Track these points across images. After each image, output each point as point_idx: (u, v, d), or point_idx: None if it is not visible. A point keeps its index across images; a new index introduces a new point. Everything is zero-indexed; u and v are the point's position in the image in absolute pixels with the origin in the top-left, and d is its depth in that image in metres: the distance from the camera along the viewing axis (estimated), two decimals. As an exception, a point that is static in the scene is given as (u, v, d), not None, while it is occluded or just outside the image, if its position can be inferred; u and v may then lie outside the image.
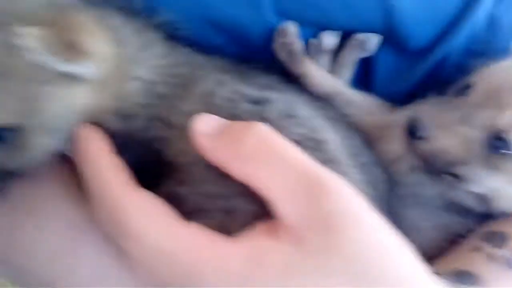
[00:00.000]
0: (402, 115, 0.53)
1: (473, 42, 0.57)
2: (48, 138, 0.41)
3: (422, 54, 0.57)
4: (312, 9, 0.54)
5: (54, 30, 0.38)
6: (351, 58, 0.59)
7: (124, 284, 0.41)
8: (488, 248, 0.48)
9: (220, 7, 0.52)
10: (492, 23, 0.57)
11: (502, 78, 0.52)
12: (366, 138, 0.53)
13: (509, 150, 0.49)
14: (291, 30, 0.54)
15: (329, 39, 0.57)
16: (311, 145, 0.42)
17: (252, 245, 0.36)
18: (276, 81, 0.49)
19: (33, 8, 0.40)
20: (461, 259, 0.50)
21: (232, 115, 0.43)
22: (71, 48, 0.38)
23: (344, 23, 0.55)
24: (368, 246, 0.35)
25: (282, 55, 0.55)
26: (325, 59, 0.59)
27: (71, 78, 0.40)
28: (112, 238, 0.39)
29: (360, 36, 0.57)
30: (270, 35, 0.54)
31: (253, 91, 0.45)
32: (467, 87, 0.52)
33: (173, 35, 0.49)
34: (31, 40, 0.37)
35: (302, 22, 0.55)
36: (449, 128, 0.49)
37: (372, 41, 0.57)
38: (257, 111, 0.43)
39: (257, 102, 0.44)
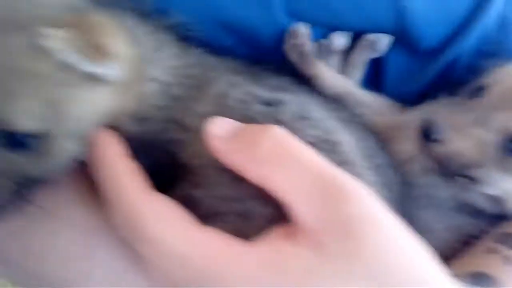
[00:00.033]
0: (414, 116, 0.53)
1: (484, 42, 0.56)
2: (72, 143, 0.40)
3: (433, 55, 0.57)
4: (323, 10, 0.54)
5: (78, 32, 0.38)
6: (361, 59, 0.58)
7: None
8: (504, 250, 0.48)
9: (230, 9, 0.52)
10: (504, 23, 0.57)
11: None
12: (380, 139, 0.53)
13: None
14: (302, 31, 0.54)
15: (339, 40, 0.57)
16: (326, 147, 0.42)
17: (270, 249, 0.36)
18: (288, 83, 0.49)
19: (54, 11, 0.40)
20: (477, 261, 0.49)
21: (245, 117, 0.42)
22: (96, 49, 0.38)
23: (355, 24, 0.55)
24: (388, 250, 0.35)
25: (293, 56, 0.55)
26: (335, 60, 0.59)
27: (95, 80, 0.40)
28: (128, 242, 0.39)
29: (371, 36, 0.56)
30: (280, 36, 0.54)
31: (265, 93, 0.45)
32: (480, 89, 0.52)
33: (185, 37, 0.49)
34: (57, 41, 0.37)
35: (313, 23, 0.55)
36: (463, 130, 0.49)
37: (382, 42, 0.57)
38: (271, 113, 0.43)
39: (270, 103, 0.44)
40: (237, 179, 0.39)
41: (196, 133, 0.42)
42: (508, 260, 0.48)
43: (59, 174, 0.42)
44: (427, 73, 0.58)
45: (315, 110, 0.45)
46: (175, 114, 0.44)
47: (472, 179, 0.50)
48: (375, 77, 0.60)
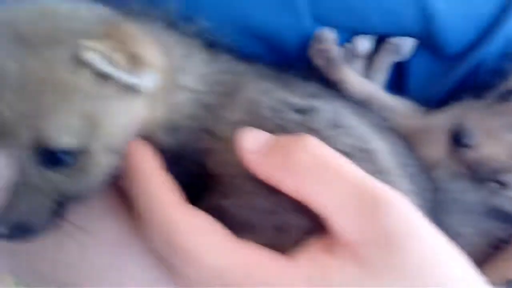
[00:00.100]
0: (441, 119, 0.53)
1: (509, 46, 0.56)
2: (108, 158, 0.40)
3: (457, 59, 0.56)
4: (349, 14, 0.53)
5: (114, 43, 0.37)
6: (385, 63, 0.58)
7: None
8: None
9: (255, 14, 0.52)
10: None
11: None
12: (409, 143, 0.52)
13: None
14: (328, 36, 0.53)
15: (364, 44, 0.57)
16: (361, 156, 0.41)
17: (311, 264, 0.36)
18: (319, 89, 0.48)
19: (89, 24, 0.39)
20: (510, 267, 0.49)
21: (278, 126, 0.42)
22: (132, 60, 0.38)
23: (381, 28, 0.55)
24: (433, 263, 0.35)
25: (319, 61, 0.54)
26: (359, 64, 0.58)
27: (132, 91, 0.39)
28: (162, 255, 0.39)
29: (395, 40, 0.56)
30: (306, 41, 0.54)
31: (298, 100, 0.44)
32: (510, 93, 0.52)
33: (212, 43, 0.48)
34: (96, 53, 0.37)
35: (337, 27, 0.54)
36: (495, 135, 0.48)
37: (407, 46, 0.56)
38: (304, 121, 0.42)
39: (303, 111, 0.43)
40: (271, 190, 0.39)
41: (226, 142, 0.41)
42: None
43: (96, 191, 0.41)
44: (451, 77, 0.57)
45: (348, 117, 0.44)
46: (206, 123, 0.44)
47: (502, 184, 0.49)
48: (398, 80, 0.59)
